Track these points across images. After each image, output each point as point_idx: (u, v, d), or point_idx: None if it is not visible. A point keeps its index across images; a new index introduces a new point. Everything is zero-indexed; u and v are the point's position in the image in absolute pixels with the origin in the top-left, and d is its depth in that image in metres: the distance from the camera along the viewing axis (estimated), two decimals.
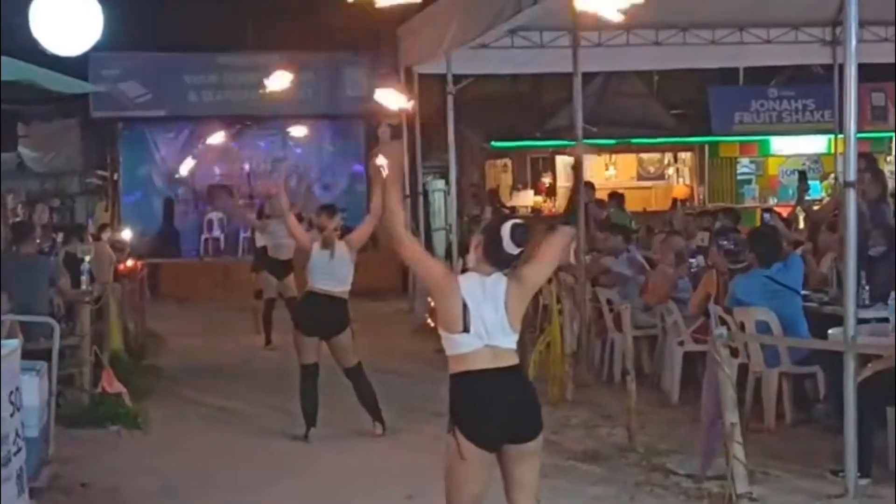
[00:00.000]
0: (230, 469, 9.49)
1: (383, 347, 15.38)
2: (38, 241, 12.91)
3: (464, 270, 6.14)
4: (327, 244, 10.17)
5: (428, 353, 14.74)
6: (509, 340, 5.78)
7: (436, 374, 13.49)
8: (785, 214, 17.47)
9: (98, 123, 25.93)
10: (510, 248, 5.79)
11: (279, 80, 13.34)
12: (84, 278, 13.49)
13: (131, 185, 26.06)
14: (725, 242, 11.26)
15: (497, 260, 5.82)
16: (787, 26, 18.57)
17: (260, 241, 16.78)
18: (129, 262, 17.44)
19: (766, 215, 15.80)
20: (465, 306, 5.70)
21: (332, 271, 10.17)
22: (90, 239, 16.15)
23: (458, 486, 5.78)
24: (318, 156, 26.30)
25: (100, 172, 27.95)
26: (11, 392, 7.38)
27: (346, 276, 10.24)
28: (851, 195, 7.93)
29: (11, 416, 7.34)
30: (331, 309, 10.18)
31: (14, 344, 7.92)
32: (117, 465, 9.60)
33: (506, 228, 5.80)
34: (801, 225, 17.09)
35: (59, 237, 14.10)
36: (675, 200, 23.45)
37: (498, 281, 5.80)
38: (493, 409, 5.69)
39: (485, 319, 5.71)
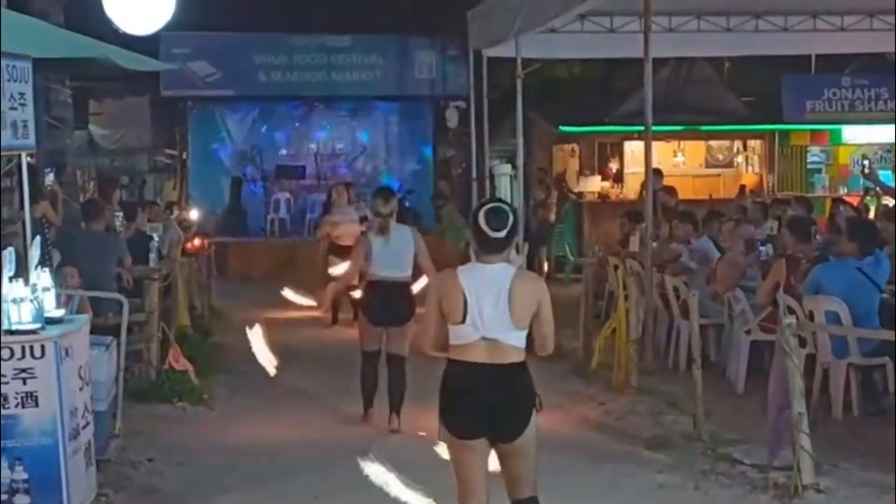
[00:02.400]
0: (293, 448, 9.54)
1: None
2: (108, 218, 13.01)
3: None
4: (383, 230, 9.83)
5: None
6: (511, 336, 5.68)
7: None
8: (855, 204, 17.28)
9: (168, 102, 26.08)
10: (492, 234, 5.68)
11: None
12: (153, 256, 13.63)
13: (199, 163, 26.21)
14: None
15: (488, 248, 5.72)
16: (862, 13, 18.33)
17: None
18: (197, 241, 17.58)
19: (841, 208, 15.58)
20: (465, 298, 5.66)
21: (391, 257, 9.81)
22: (160, 217, 16.30)
23: (456, 467, 5.83)
24: (385, 137, 26.35)
25: (168, 151, 28.15)
26: (81, 367, 7.46)
27: (406, 261, 9.88)
28: None
29: (81, 390, 7.43)
30: (397, 295, 9.85)
31: (84, 319, 8.00)
32: (183, 440, 9.69)
33: (481, 216, 5.70)
34: (872, 215, 16.88)
35: (121, 215, 14.18)
36: (742, 188, 23.24)
37: (504, 272, 5.71)
38: (472, 403, 5.68)
39: (482, 310, 5.64)
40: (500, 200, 5.97)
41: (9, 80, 7.74)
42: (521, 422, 5.73)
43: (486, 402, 5.65)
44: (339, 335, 15.14)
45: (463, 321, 5.66)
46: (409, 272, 9.92)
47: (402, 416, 9.92)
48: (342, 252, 15.81)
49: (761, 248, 12.51)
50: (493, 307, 5.64)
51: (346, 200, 17.00)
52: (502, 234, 5.69)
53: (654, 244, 13.54)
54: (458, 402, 5.73)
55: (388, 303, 9.87)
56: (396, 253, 9.83)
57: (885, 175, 21.04)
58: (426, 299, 6.02)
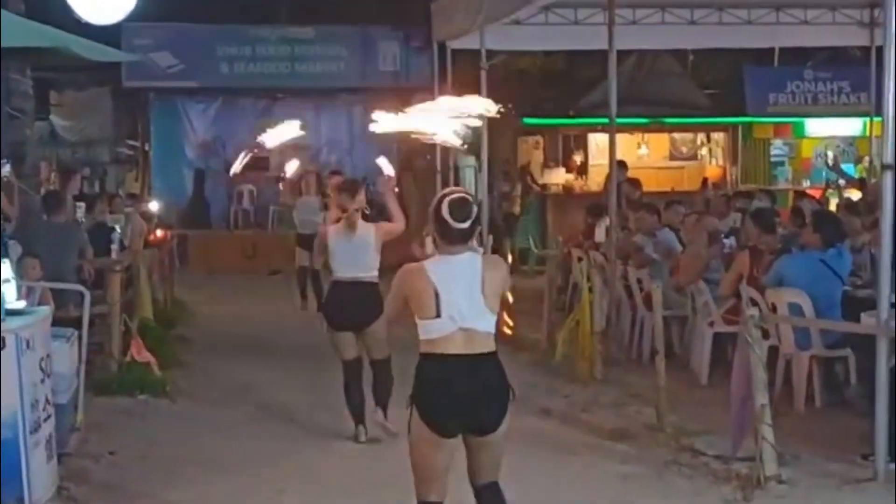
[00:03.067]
0: (255, 440, 9.51)
1: (410, 320, 15.35)
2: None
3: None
4: (351, 226, 9.20)
5: None
6: (486, 322, 5.67)
7: None
8: (817, 197, 17.37)
9: (130, 93, 25.92)
10: (456, 225, 5.67)
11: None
12: (114, 247, 13.54)
13: (162, 155, 26.06)
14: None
15: (453, 238, 5.71)
16: (824, 7, 18.42)
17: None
18: (159, 233, 17.50)
19: (804, 201, 15.65)
20: (436, 293, 5.64)
21: (355, 255, 9.21)
22: (121, 208, 16.18)
23: (419, 460, 5.75)
24: (350, 129, 26.26)
25: (130, 142, 27.99)
26: (42, 359, 7.41)
27: (372, 261, 9.25)
28: (889, 178, 7.85)
29: (42, 382, 7.38)
30: (362, 296, 9.14)
31: (45, 311, 7.94)
32: (145, 433, 9.65)
33: (444, 208, 5.69)
34: (833, 208, 16.97)
35: (82, 206, 14.08)
36: (704, 180, 23.31)
37: (472, 260, 5.72)
38: (454, 399, 5.61)
39: (458, 302, 5.62)
40: (462, 191, 5.93)
41: None
42: (500, 413, 5.69)
43: (466, 396, 5.60)
44: (302, 327, 15.04)
45: (438, 315, 5.64)
46: (375, 272, 9.25)
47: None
48: (304, 242, 15.85)
49: (725, 241, 12.55)
50: (468, 297, 5.63)
51: (315, 191, 16.92)
52: (466, 224, 5.68)
53: (617, 236, 13.56)
54: (438, 399, 5.65)
55: (352, 305, 9.19)
56: (361, 251, 9.23)
57: (847, 168, 21.19)
58: (390, 289, 5.97)
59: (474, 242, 5.82)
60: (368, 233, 9.26)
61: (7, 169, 13.22)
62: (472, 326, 5.63)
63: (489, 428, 5.66)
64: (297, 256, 16.76)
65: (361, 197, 9.46)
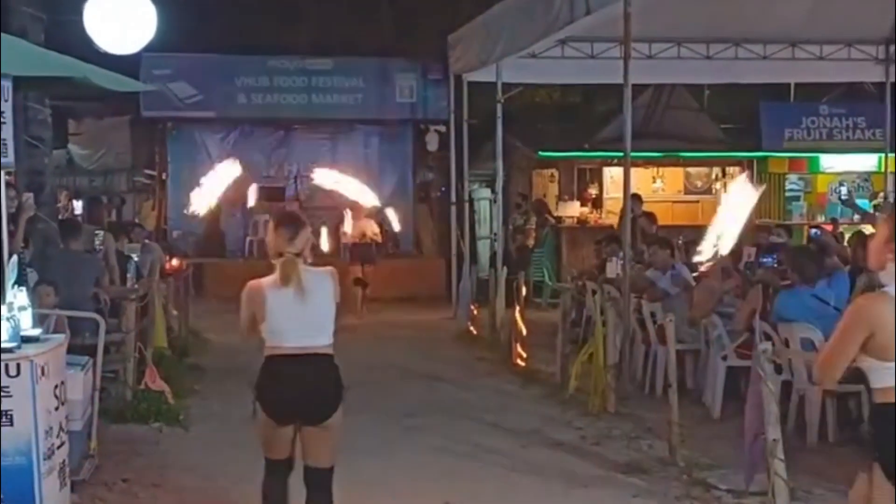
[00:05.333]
0: None
1: (426, 353, 15.40)
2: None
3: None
4: (286, 278, 6.45)
5: (470, 360, 14.79)
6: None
7: (479, 380, 13.58)
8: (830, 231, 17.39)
9: (148, 123, 26.06)
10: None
11: None
12: (130, 276, 13.60)
13: (179, 184, 26.14)
14: (768, 260, 11.20)
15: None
16: (840, 43, 18.50)
17: None
18: (175, 262, 17.55)
19: (816, 231, 15.71)
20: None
21: (301, 316, 6.48)
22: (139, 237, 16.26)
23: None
24: (365, 160, 26.36)
25: (148, 171, 28.10)
26: (56, 386, 7.44)
27: (326, 322, 6.56)
28: None
29: (56, 409, 7.40)
30: (317, 376, 6.53)
31: (60, 338, 7.98)
32: (158, 461, 9.65)
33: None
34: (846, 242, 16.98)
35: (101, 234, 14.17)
36: None
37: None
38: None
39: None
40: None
41: None
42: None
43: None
44: None
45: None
46: (331, 339, 6.60)
47: None
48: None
49: (764, 260, 12.50)
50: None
51: None
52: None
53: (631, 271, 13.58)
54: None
55: (299, 389, 6.51)
56: (311, 310, 6.50)
57: (862, 203, 21.16)
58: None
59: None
60: (324, 282, 6.60)
61: (29, 199, 13.29)
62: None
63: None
64: None
65: (304, 237, 6.61)
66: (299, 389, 6.50)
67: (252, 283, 6.63)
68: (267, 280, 6.58)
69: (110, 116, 27.24)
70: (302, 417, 6.52)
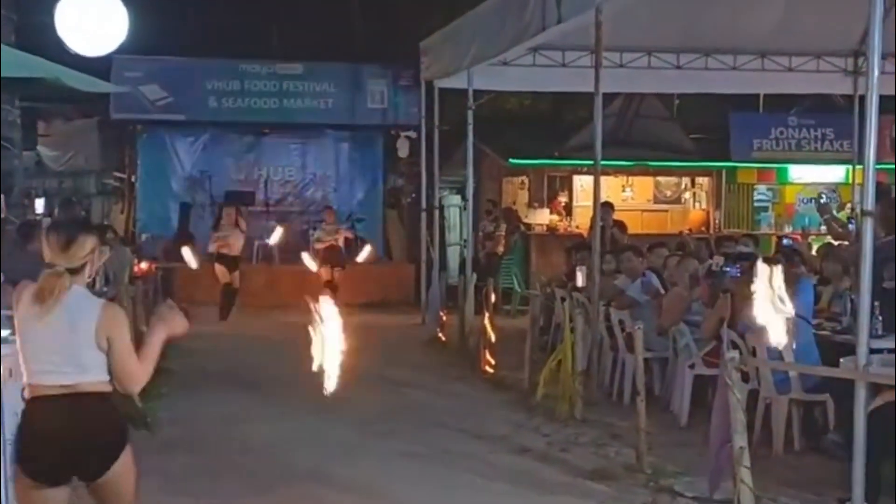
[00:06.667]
0: (235, 472, 9.50)
1: (395, 359, 15.39)
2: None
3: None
4: (42, 295, 5.37)
5: (438, 366, 14.82)
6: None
7: (447, 386, 13.60)
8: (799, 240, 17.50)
9: (117, 125, 25.94)
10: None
11: None
12: (99, 279, 13.54)
13: (148, 187, 26.05)
14: (733, 270, 11.23)
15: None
16: (809, 55, 18.63)
17: None
18: (144, 265, 17.51)
19: (788, 240, 15.78)
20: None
21: (57, 346, 5.35)
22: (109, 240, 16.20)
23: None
24: (336, 166, 26.35)
25: (117, 174, 28.00)
26: (23, 388, 7.39)
27: (91, 353, 5.37)
28: (868, 224, 7.91)
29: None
30: (84, 422, 5.37)
31: None
32: None
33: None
34: (814, 252, 17.09)
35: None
36: (681, 232, 23.34)
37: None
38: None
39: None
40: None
41: None
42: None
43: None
44: (289, 360, 15.03)
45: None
46: (104, 375, 5.43)
47: None
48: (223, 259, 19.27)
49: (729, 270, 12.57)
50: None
51: (233, 223, 19.86)
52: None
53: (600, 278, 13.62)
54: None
55: (61, 441, 5.34)
56: (73, 338, 5.35)
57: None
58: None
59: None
60: (92, 311, 5.43)
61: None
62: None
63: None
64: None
65: (85, 249, 5.54)
66: (61, 441, 5.23)
67: (26, 282, 5.44)
68: (31, 290, 5.41)
69: (80, 118, 27.15)
70: (75, 474, 5.34)
